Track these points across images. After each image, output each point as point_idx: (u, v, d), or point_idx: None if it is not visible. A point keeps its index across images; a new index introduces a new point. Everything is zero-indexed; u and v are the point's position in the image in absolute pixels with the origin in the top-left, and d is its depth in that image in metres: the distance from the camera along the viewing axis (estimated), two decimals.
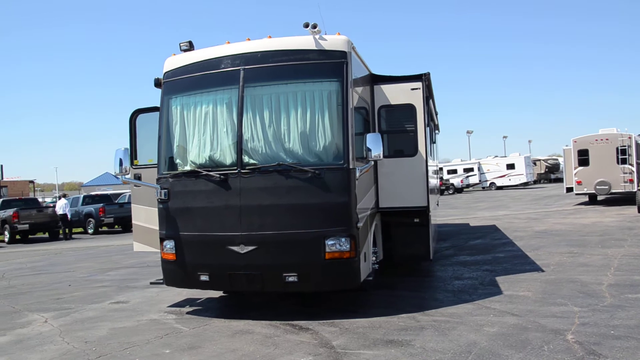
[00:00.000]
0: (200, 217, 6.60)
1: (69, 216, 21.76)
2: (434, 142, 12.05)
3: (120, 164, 6.63)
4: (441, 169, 48.52)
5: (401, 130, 8.32)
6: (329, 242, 6.16)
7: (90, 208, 23.49)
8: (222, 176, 6.43)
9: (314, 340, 5.46)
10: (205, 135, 6.74)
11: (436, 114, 12.61)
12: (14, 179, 71.25)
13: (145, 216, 7.72)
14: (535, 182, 54.38)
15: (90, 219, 23.41)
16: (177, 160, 6.91)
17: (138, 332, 6.21)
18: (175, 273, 6.84)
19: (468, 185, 46.46)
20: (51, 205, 24.31)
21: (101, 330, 6.41)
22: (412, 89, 8.06)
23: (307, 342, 5.41)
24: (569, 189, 22.87)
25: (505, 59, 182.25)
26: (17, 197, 27.56)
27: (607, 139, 21.19)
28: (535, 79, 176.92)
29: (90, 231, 23.52)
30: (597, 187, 21.10)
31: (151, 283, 7.69)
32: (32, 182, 75.53)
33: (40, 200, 31.46)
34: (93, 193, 30.38)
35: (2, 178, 45.59)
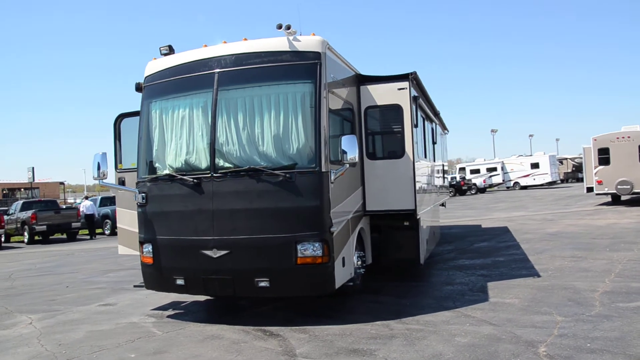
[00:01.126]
0: (175, 221, 6.58)
1: (95, 217, 22.37)
2: (435, 143, 11.76)
3: (98, 168, 6.66)
4: (463, 168, 47.77)
5: (388, 131, 8.12)
6: (301, 247, 6.04)
7: (107, 209, 23.96)
8: (195, 180, 6.40)
9: (278, 348, 5.35)
10: (182, 139, 6.71)
11: (436, 114, 12.31)
12: (45, 180, 73.79)
13: (129, 219, 7.76)
14: (562, 181, 52.92)
15: (107, 220, 23.89)
16: (156, 165, 6.90)
17: (112, 336, 6.22)
18: (153, 277, 6.86)
19: (491, 185, 45.49)
20: (78, 206, 24.87)
21: (78, 332, 6.46)
22: (399, 89, 7.85)
23: (271, 350, 5.30)
24: (589, 189, 22.10)
25: (533, 57, 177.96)
26: (37, 199, 28.34)
27: (629, 137, 20.36)
28: (563, 77, 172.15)
29: (107, 232, 24.00)
30: (619, 186, 20.29)
31: (135, 286, 7.72)
32: (62, 183, 78.11)
33: (70, 201, 32.24)
34: (112, 195, 30.99)
35: (34, 180, 46.98)
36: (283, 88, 6.43)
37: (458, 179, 44.19)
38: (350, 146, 6.23)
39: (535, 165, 44.18)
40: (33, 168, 41.78)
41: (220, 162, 6.37)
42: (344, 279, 6.66)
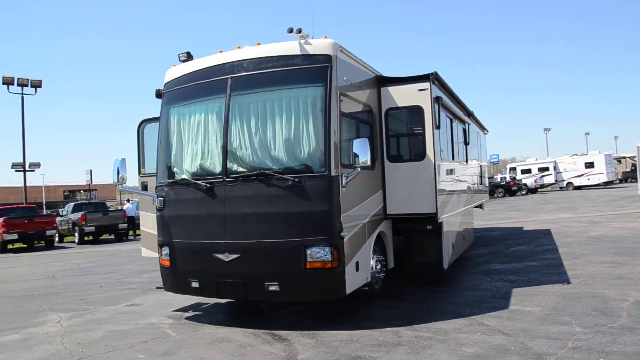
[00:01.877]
0: (190, 224, 6.74)
1: (135, 218, 23.33)
2: (468, 143, 11.39)
3: (118, 172, 6.92)
4: (514, 168, 46.12)
5: (409, 133, 7.96)
6: (310, 251, 6.02)
7: None
8: (209, 185, 6.52)
9: (282, 353, 5.35)
10: (197, 144, 6.86)
11: (470, 114, 11.94)
12: (103, 182, 77.64)
13: (152, 223, 8.00)
14: (620, 180, 50.01)
15: None
16: (173, 169, 7.10)
17: (129, 336, 6.44)
18: (170, 279, 7.04)
19: (542, 186, 43.64)
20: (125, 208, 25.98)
21: (99, 332, 6.73)
22: (420, 90, 7.68)
23: (275, 354, 5.31)
24: None
25: (588, 58, 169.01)
26: (87, 201, 29.82)
27: None
28: (622, 72, 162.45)
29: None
30: None
31: (156, 288, 7.95)
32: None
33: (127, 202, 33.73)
34: None
35: (92, 182, 49.56)
36: (294, 92, 6.43)
37: (508, 179, 42.73)
38: (362, 149, 6.15)
39: (589, 165, 41.98)
40: (91, 170, 44.15)
41: (233, 167, 6.46)
42: (357, 283, 6.58)
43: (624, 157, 50.93)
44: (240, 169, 6.41)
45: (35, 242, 23.06)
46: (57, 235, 23.65)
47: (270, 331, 6.20)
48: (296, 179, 6.05)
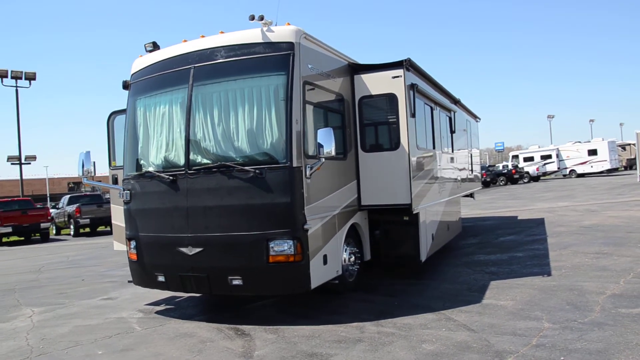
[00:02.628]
0: (155, 218, 6.61)
1: None
2: (454, 132, 11.14)
3: (83, 166, 6.78)
4: (516, 156, 45.64)
5: (383, 122, 7.73)
6: (272, 245, 5.87)
7: None
8: (172, 177, 6.37)
9: (240, 349, 5.22)
10: (162, 136, 6.70)
11: (456, 102, 11.66)
12: (107, 174, 78.09)
13: (122, 216, 7.88)
14: (625, 168, 49.40)
15: None
16: (140, 162, 6.95)
17: (94, 331, 6.34)
18: (138, 273, 6.93)
19: (544, 174, 43.15)
20: None
21: (66, 327, 6.63)
22: (394, 77, 7.44)
23: (232, 351, 5.18)
24: None
25: (590, 46, 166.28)
26: (83, 194, 29.83)
27: None
28: (628, 59, 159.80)
29: None
30: None
31: (129, 281, 7.84)
32: None
33: None
34: None
35: (95, 174, 49.62)
36: (256, 81, 6.23)
37: (510, 167, 42.31)
38: (327, 139, 5.96)
39: (592, 152, 41.42)
40: (94, 162, 44.18)
41: (195, 159, 6.30)
42: (326, 277, 6.43)
43: (629, 144, 50.17)
44: (203, 161, 6.26)
45: (32, 235, 23.11)
46: (53, 227, 23.64)
47: (235, 326, 6.07)
48: (257, 171, 5.89)
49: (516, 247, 10.38)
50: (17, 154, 31.18)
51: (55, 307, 7.99)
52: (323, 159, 6.02)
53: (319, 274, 6.25)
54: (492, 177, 40.29)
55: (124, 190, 6.94)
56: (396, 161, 7.43)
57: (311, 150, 6.19)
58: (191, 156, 6.31)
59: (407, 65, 7.40)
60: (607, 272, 7.47)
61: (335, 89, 7.15)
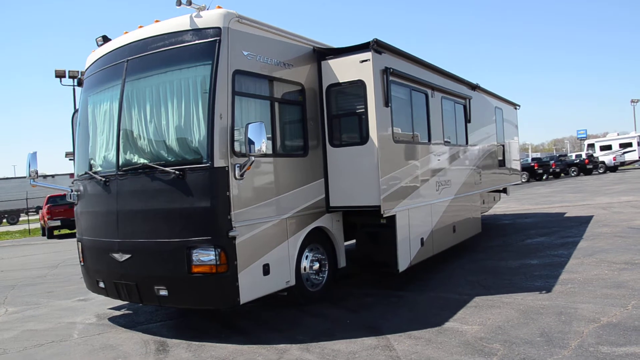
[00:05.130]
0: (92, 221, 6.30)
1: None
2: (469, 122, 9.90)
3: (29, 167, 6.59)
4: (592, 145, 41.67)
5: (351, 113, 6.84)
6: (195, 253, 5.30)
7: None
8: (104, 179, 5.99)
9: None
10: (103, 135, 6.33)
11: (474, 87, 10.36)
12: None
13: None
14: None
15: None
16: (84, 162, 6.65)
17: (34, 337, 6.14)
18: (85, 277, 6.68)
19: (623, 163, 38.89)
20: None
21: (15, 331, 6.52)
22: (361, 62, 6.55)
23: None
24: None
25: None
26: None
27: None
28: None
29: None
30: None
31: None
32: None
33: None
34: None
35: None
36: (183, 73, 5.64)
37: (583, 156, 38.64)
38: (257, 135, 5.24)
39: None
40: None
41: (125, 160, 5.87)
42: (266, 289, 5.77)
43: None
44: (132, 162, 5.80)
45: None
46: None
47: (164, 339, 5.64)
48: (178, 172, 5.32)
49: (536, 252, 9.04)
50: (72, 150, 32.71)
51: (29, 307, 7.99)
52: (253, 158, 5.33)
53: (256, 286, 5.60)
54: (562, 168, 36.96)
55: (71, 191, 6.68)
56: (364, 157, 6.56)
57: (250, 149, 5.49)
58: (121, 157, 5.88)
59: (374, 47, 6.46)
60: (621, 290, 6.13)
61: (291, 78, 6.39)
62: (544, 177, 35.66)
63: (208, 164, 5.23)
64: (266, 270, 5.74)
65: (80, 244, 6.57)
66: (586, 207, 15.81)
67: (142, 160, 5.73)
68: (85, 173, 6.39)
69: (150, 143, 5.73)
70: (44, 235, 24.36)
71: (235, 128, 5.42)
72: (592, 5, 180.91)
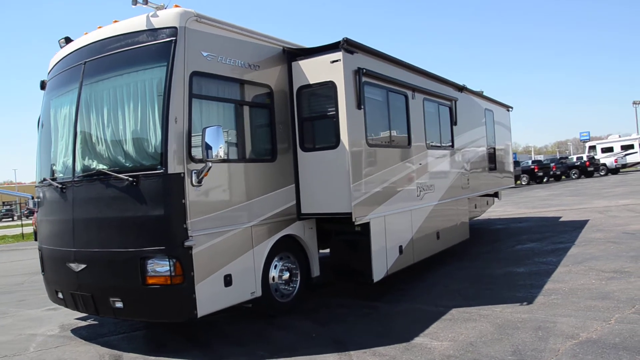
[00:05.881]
0: (50, 229, 6.05)
1: None
2: (455, 124, 9.59)
3: None
4: (593, 147, 41.22)
5: (322, 116, 6.55)
6: (149, 264, 5.02)
7: None
8: (61, 186, 5.73)
9: None
10: (63, 140, 6.07)
11: (460, 89, 10.05)
12: None
13: None
14: None
15: None
16: (46, 168, 6.38)
17: None
18: (46, 288, 6.41)
19: (624, 165, 38.39)
20: None
21: None
22: (332, 62, 6.26)
23: None
24: None
25: None
26: None
27: None
28: None
29: None
30: None
31: None
32: None
33: None
34: None
35: None
36: (139, 75, 5.38)
37: (584, 158, 38.20)
38: (215, 140, 4.97)
39: None
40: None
41: (80, 166, 5.61)
42: (228, 301, 5.49)
43: None
44: (88, 168, 5.53)
45: None
46: None
47: (121, 353, 5.39)
48: (132, 179, 5.05)
49: (525, 260, 8.71)
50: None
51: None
52: (210, 164, 5.05)
53: (216, 298, 5.31)
54: (563, 170, 36.51)
55: (31, 198, 6.43)
56: (335, 161, 6.27)
57: (209, 154, 5.20)
58: (78, 163, 5.63)
59: (344, 46, 6.17)
60: (606, 301, 5.80)
61: (258, 80, 6.12)
62: (544, 180, 35.23)
63: (162, 171, 4.95)
64: (228, 281, 5.45)
65: (40, 252, 6.32)
66: (583, 211, 15.45)
67: (99, 167, 5.46)
68: (44, 180, 6.14)
69: (107, 149, 5.46)
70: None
71: (193, 133, 5.16)
72: (598, 6, 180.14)
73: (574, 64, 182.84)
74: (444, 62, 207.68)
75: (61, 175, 5.93)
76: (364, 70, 6.48)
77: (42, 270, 6.35)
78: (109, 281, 5.28)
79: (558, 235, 11.07)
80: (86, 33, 6.14)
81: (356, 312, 6.35)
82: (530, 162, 38.37)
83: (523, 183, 34.71)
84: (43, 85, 6.75)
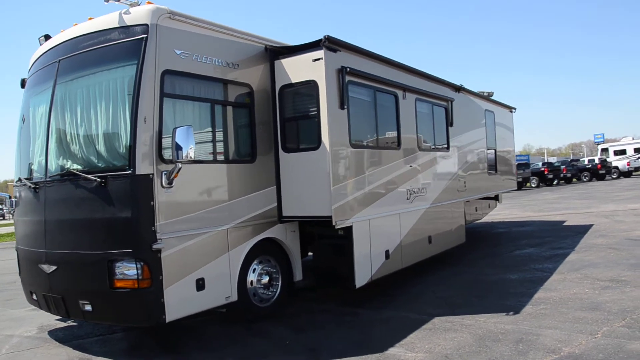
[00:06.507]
0: (24, 229, 5.96)
1: None
2: (452, 125, 9.34)
3: None
4: (606, 149, 40.45)
5: (305, 116, 6.37)
6: (117, 267, 4.89)
7: None
8: (34, 186, 5.63)
9: None
10: (38, 139, 5.96)
11: (458, 89, 9.79)
12: None
13: None
14: None
15: None
16: (24, 167, 6.28)
17: None
18: (23, 289, 6.32)
19: (637, 169, 37.56)
20: None
21: None
22: (314, 60, 6.09)
23: None
24: None
25: None
26: None
27: None
28: None
29: None
30: None
31: None
32: None
33: None
34: None
35: None
36: (111, 74, 5.24)
37: (596, 161, 37.47)
38: (185, 140, 4.83)
39: None
40: None
41: (53, 166, 5.51)
42: (200, 305, 5.34)
43: None
44: (61, 168, 5.42)
45: None
46: None
47: (90, 356, 5.28)
48: (101, 179, 4.92)
49: (520, 266, 8.44)
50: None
51: None
52: (180, 165, 4.90)
53: (187, 303, 5.16)
54: (573, 173, 35.84)
55: (9, 198, 6.35)
56: (316, 163, 6.09)
57: (179, 155, 5.05)
58: (51, 163, 5.53)
59: (325, 44, 5.98)
60: (596, 313, 5.53)
61: (238, 79, 5.96)
62: (554, 183, 34.62)
63: (130, 172, 4.82)
64: (200, 285, 5.30)
65: (17, 253, 6.24)
66: (589, 215, 15.07)
67: (73, 166, 5.34)
68: (19, 179, 6.05)
69: (80, 148, 5.34)
70: None
71: (164, 133, 5.01)
72: (617, 10, 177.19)
73: (590, 66, 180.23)
74: (457, 63, 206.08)
75: (37, 174, 5.84)
76: (348, 69, 6.29)
77: (19, 272, 6.27)
78: (79, 284, 5.16)
79: (559, 241, 10.76)
80: (63, 30, 6.03)
81: (338, 318, 6.16)
82: (540, 164, 37.72)
83: (532, 185, 34.14)
84: (23, 84, 6.67)
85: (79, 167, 5.22)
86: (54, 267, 5.35)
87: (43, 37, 6.44)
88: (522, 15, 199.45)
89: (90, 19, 5.65)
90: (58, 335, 6.20)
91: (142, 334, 6.01)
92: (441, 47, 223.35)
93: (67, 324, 6.72)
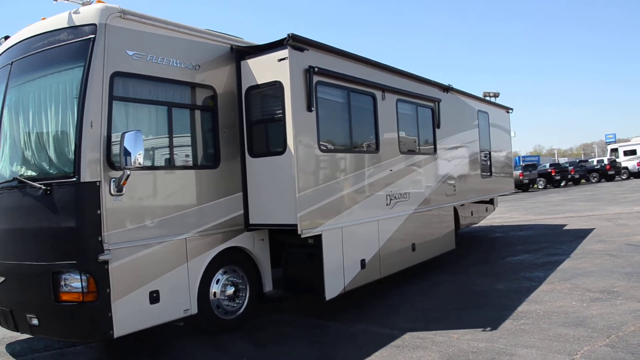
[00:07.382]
0: None
1: None
2: (439, 127, 8.97)
3: None
4: (615, 150, 39.60)
5: (271, 119, 6.06)
6: (63, 279, 4.63)
7: None
8: None
9: None
10: None
11: (445, 89, 9.42)
12: None
13: None
14: None
15: None
16: None
17: None
18: None
19: None
20: None
21: None
22: (279, 60, 5.78)
23: None
24: None
25: None
26: None
27: None
28: None
29: None
30: None
31: None
32: None
33: None
34: None
35: None
36: (61, 76, 4.99)
37: (605, 161, 36.67)
38: (134, 145, 4.55)
39: None
40: None
41: (5, 172, 5.29)
42: (153, 319, 5.05)
43: None
44: (12, 175, 5.18)
45: None
46: None
47: None
48: (46, 187, 4.67)
49: (510, 274, 8.05)
50: None
51: None
52: (129, 172, 4.63)
53: (138, 317, 4.88)
54: (582, 174, 35.10)
55: None
56: (281, 168, 5.79)
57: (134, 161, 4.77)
58: (3, 170, 5.31)
59: (290, 42, 5.67)
60: (580, 329, 5.15)
61: (199, 81, 5.67)
62: (561, 184, 33.92)
63: (74, 179, 4.56)
64: (154, 297, 5.02)
65: None
66: (591, 218, 14.57)
67: (27, 173, 5.09)
68: None
69: (32, 154, 5.10)
70: None
71: (114, 138, 4.75)
72: (626, 11, 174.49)
73: (600, 66, 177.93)
74: (467, 66, 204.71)
75: None
76: (317, 69, 5.97)
77: None
78: (26, 296, 4.90)
79: (555, 246, 10.33)
80: (19, 31, 5.81)
81: (304, 332, 5.84)
82: (547, 165, 37.02)
83: (539, 187, 33.49)
84: None
85: (32, 173, 4.98)
86: (2, 279, 5.10)
87: (3, 38, 6.23)
88: (537, 16, 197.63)
89: (43, 19, 5.41)
90: (15, 349, 5.95)
91: (101, 348, 5.75)
92: (449, 49, 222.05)
93: (29, 337, 6.48)
